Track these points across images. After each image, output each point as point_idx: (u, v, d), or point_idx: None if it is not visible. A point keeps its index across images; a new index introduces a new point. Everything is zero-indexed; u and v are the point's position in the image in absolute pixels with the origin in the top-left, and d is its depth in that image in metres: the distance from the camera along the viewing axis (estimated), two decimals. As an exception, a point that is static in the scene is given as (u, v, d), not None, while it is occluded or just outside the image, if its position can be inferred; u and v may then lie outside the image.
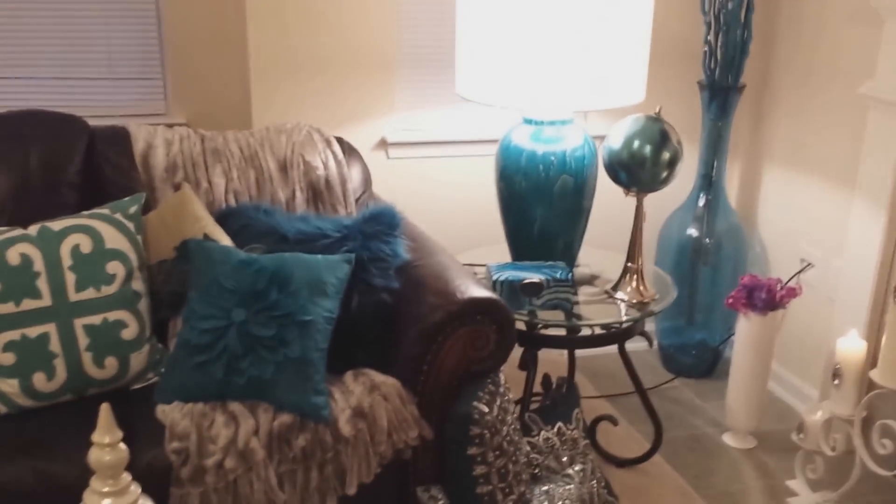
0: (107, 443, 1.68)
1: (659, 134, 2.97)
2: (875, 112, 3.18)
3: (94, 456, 1.69)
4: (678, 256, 3.83)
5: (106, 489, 1.70)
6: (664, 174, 2.99)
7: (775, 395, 3.84)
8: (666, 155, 2.97)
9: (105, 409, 1.69)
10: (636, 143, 2.97)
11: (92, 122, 3.06)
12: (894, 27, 3.07)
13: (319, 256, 2.65)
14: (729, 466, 3.37)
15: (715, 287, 3.82)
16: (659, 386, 3.89)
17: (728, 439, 3.50)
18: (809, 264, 3.62)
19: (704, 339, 3.94)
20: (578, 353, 3.67)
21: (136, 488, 1.74)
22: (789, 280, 3.59)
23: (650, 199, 3.48)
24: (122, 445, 1.70)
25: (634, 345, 3.30)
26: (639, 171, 2.99)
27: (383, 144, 3.63)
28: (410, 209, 3.26)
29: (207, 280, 2.57)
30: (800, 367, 3.74)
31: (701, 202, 3.79)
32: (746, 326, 3.33)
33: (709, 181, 3.77)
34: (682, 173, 3.71)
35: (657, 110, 3.02)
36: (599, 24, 2.90)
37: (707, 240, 3.80)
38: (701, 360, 3.96)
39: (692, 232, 3.80)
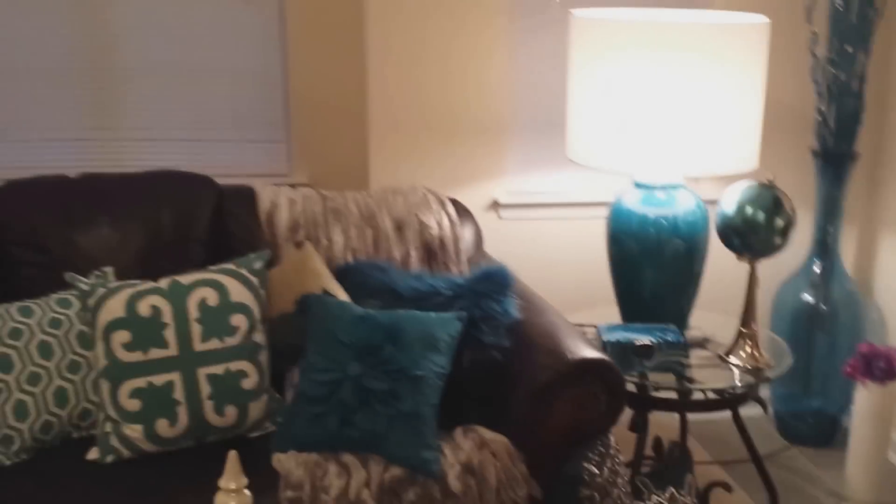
0: (233, 489, 1.73)
1: (772, 200, 2.94)
2: None
3: (220, 500, 1.73)
4: (793, 322, 3.76)
5: None
6: (778, 241, 2.96)
7: None
8: (780, 222, 2.94)
9: (233, 457, 1.75)
10: (749, 210, 2.94)
11: (220, 181, 3.18)
12: None
13: (433, 314, 2.69)
14: (847, 538, 3.28)
15: (832, 354, 3.74)
16: (774, 454, 3.80)
17: (846, 511, 3.42)
18: (928, 333, 3.53)
19: (822, 407, 3.85)
20: (691, 417, 3.62)
21: None
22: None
23: (764, 264, 3.44)
24: (247, 492, 1.74)
25: (748, 411, 3.24)
26: (752, 237, 2.96)
27: (495, 206, 3.67)
28: (521, 269, 3.27)
29: (325, 334, 2.63)
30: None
31: (816, 269, 3.72)
32: (865, 396, 3.25)
33: (824, 248, 3.71)
34: (796, 239, 3.69)
35: (771, 178, 2.99)
36: (711, 91, 2.91)
37: (823, 306, 3.72)
38: (818, 429, 3.86)
39: (807, 298, 3.74)
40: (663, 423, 3.38)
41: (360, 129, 3.59)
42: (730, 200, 3.00)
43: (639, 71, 2.91)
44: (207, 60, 3.54)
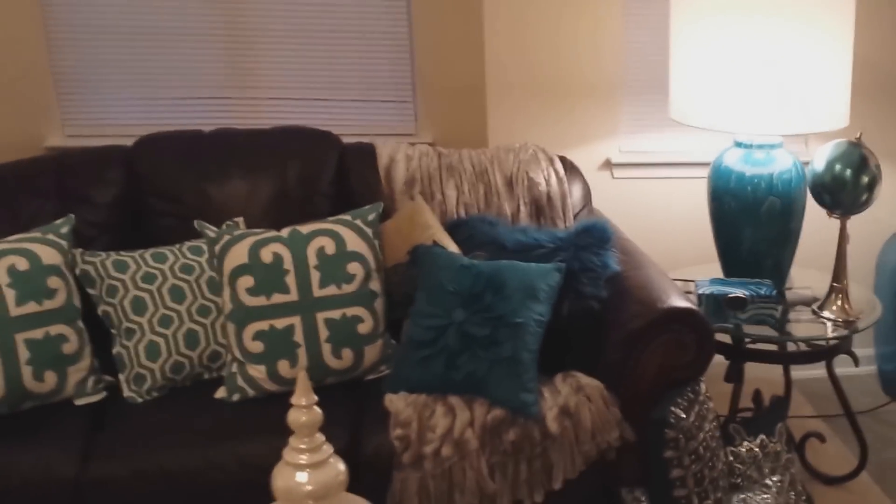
0: (304, 405, 1.88)
1: (859, 158, 3.00)
2: None
3: (293, 416, 1.88)
4: (897, 281, 3.79)
5: (302, 446, 1.88)
6: (864, 197, 3.02)
7: None
8: (865, 178, 3.00)
9: (302, 376, 1.90)
10: (837, 167, 3.01)
11: (348, 140, 3.37)
12: None
13: (533, 265, 2.82)
14: (938, 491, 3.31)
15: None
16: (875, 409, 3.84)
17: (941, 465, 3.44)
18: None
19: (926, 367, 3.87)
20: (800, 374, 3.70)
21: (328, 448, 1.92)
22: None
23: (870, 223, 3.50)
24: (317, 408, 1.89)
25: (853, 369, 3.30)
26: (840, 193, 3.02)
27: (608, 165, 3.78)
28: (631, 226, 3.41)
29: (433, 282, 2.80)
30: None
31: (921, 228, 3.74)
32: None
33: (931, 207, 3.72)
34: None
35: (858, 135, 3.04)
36: (803, 51, 2.98)
37: (927, 265, 3.74)
38: (921, 385, 3.88)
39: (911, 256, 3.76)
40: (768, 378, 3.45)
41: (480, 90, 3.72)
42: (820, 158, 3.07)
43: (735, 31, 2.99)
44: (338, 23, 3.67)
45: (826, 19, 2.98)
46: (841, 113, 3.13)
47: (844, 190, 3.05)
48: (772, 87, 3.00)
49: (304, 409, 1.88)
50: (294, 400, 1.89)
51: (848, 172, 3.03)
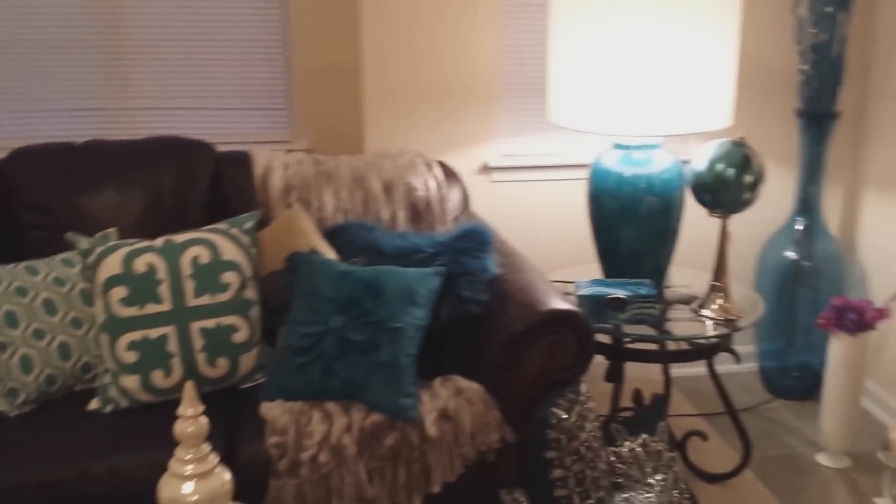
0: (190, 415, 1.85)
1: (742, 157, 3.03)
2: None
3: (179, 427, 1.86)
4: (777, 279, 3.85)
5: (189, 456, 1.87)
6: (746, 196, 3.05)
7: (874, 416, 3.81)
8: (748, 178, 3.03)
9: (189, 386, 1.87)
10: (720, 166, 3.03)
11: (224, 148, 3.31)
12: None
13: (412, 269, 2.79)
14: (820, 485, 3.36)
15: (815, 310, 3.79)
16: (757, 406, 3.90)
17: (822, 459, 3.50)
18: (906, 287, 3.61)
19: (805, 362, 3.93)
20: (679, 372, 3.74)
21: (214, 457, 1.90)
22: (887, 303, 3.58)
23: (749, 222, 3.54)
24: (203, 418, 1.87)
25: (734, 367, 3.34)
26: (722, 192, 3.05)
27: (486, 168, 3.77)
28: (510, 229, 3.42)
29: (310, 289, 2.76)
30: (897, 387, 3.72)
31: (799, 226, 3.80)
32: (838, 347, 3.34)
33: (806, 205, 3.78)
34: (781, 197, 3.78)
35: (741, 135, 3.08)
36: (686, 52, 2.98)
37: (805, 263, 3.80)
38: (802, 382, 3.95)
39: (790, 255, 3.82)
40: (648, 378, 3.48)
41: (357, 97, 3.69)
42: (702, 157, 3.09)
43: (614, 32, 2.99)
44: (212, 32, 3.64)
45: (710, 16, 3.00)
46: (725, 112, 3.15)
47: (726, 189, 3.07)
48: (652, 87, 3.00)
49: (191, 420, 1.87)
50: (181, 410, 1.87)
51: (730, 172, 3.05)
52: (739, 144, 3.06)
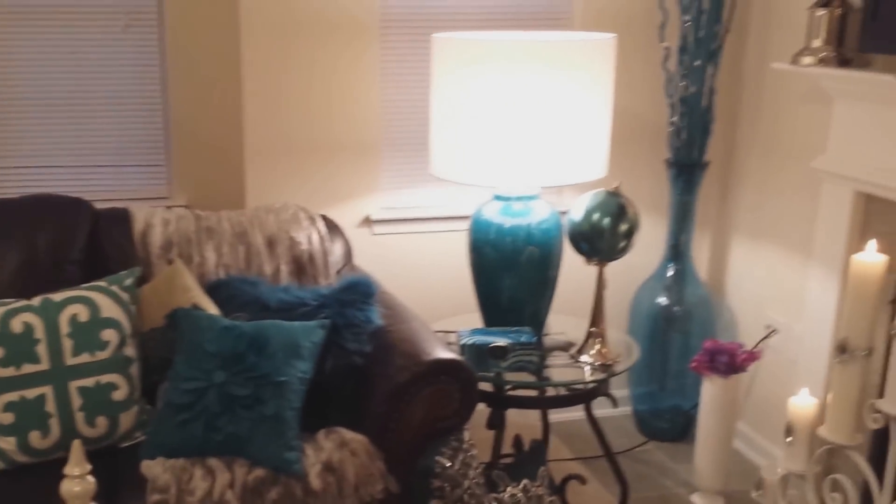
0: (76, 475, 1.82)
1: (617, 207, 3.12)
2: (827, 184, 3.30)
3: (66, 487, 1.83)
4: (650, 324, 3.94)
5: None
6: (622, 244, 3.14)
7: (745, 456, 3.92)
8: (623, 226, 3.12)
9: (76, 445, 1.84)
10: (596, 216, 3.12)
11: (102, 205, 3.26)
12: (842, 106, 3.21)
13: (296, 323, 2.80)
14: (696, 524, 3.44)
15: (687, 354, 3.90)
16: (632, 449, 3.97)
17: (697, 499, 3.56)
18: (774, 330, 3.73)
19: (678, 404, 4.03)
20: (556, 417, 3.80)
21: None
22: (756, 345, 3.70)
23: (623, 269, 3.65)
24: (90, 478, 1.84)
25: (609, 411, 3.40)
26: (598, 241, 3.13)
27: (368, 221, 3.79)
28: (394, 281, 3.45)
29: (192, 345, 2.73)
30: (767, 427, 3.83)
31: (670, 272, 3.91)
32: (710, 389, 3.42)
33: (677, 252, 3.89)
34: (652, 244, 3.89)
35: (616, 185, 3.17)
36: (561, 107, 3.07)
37: (676, 308, 3.91)
38: (674, 425, 4.04)
39: (662, 300, 3.92)
40: (528, 424, 3.52)
41: (237, 152, 3.68)
42: (578, 208, 3.17)
43: (492, 88, 3.06)
44: (88, 88, 3.58)
45: (584, 72, 3.10)
46: (600, 163, 3.25)
47: (603, 238, 3.15)
48: (529, 140, 3.08)
49: (78, 479, 1.85)
50: (67, 470, 1.85)
51: (606, 221, 3.13)
52: (614, 194, 3.14)
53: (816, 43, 3.12)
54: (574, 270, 3.43)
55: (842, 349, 2.66)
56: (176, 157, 3.69)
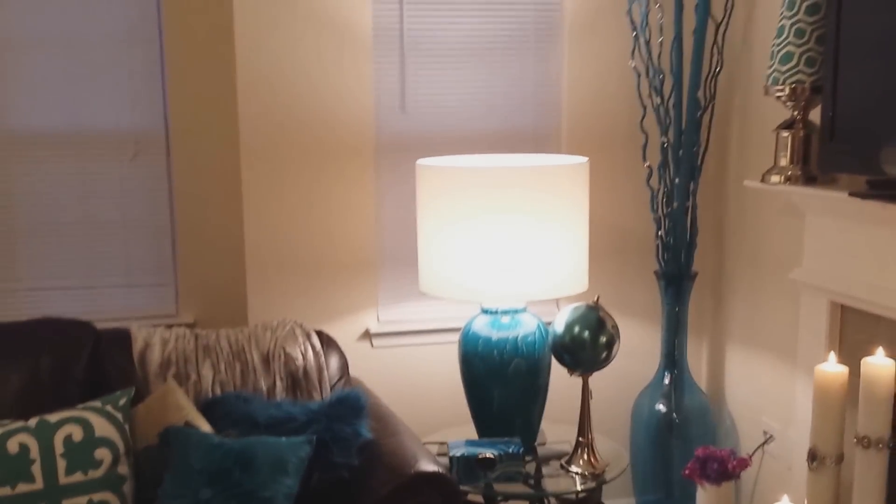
0: None
1: (596, 320, 3.15)
2: (804, 295, 3.30)
3: None
4: (651, 431, 3.90)
5: None
6: (603, 356, 3.15)
7: (750, 563, 3.85)
8: (603, 339, 3.15)
9: None
10: (576, 329, 3.14)
11: (109, 325, 3.33)
12: (812, 221, 3.23)
13: (283, 439, 2.81)
14: None
15: (689, 460, 3.85)
16: (642, 558, 3.91)
17: None
18: (770, 436, 3.68)
19: (684, 512, 3.97)
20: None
21: None
22: (754, 451, 3.65)
23: (623, 377, 3.70)
24: None
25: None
26: (580, 353, 3.15)
27: (368, 335, 3.82)
28: (392, 393, 3.48)
29: (181, 462, 2.75)
30: (770, 534, 3.76)
31: (666, 380, 3.89)
32: (704, 496, 3.36)
33: (672, 360, 3.87)
34: (650, 352, 3.89)
35: (595, 299, 3.19)
36: (539, 226, 3.14)
37: (675, 415, 3.87)
38: (682, 532, 3.98)
39: (661, 408, 3.89)
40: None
41: (240, 272, 3.74)
42: (560, 321, 3.19)
43: (473, 211, 3.13)
44: (97, 213, 3.67)
45: (561, 192, 3.18)
46: (580, 278, 3.29)
47: (584, 350, 3.18)
48: (511, 258, 3.14)
49: None
50: None
51: (586, 334, 3.17)
52: (594, 308, 3.17)
53: (783, 161, 3.16)
54: (570, 379, 3.42)
55: (812, 457, 2.64)
56: (182, 277, 3.76)
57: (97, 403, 2.89)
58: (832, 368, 2.56)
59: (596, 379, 3.30)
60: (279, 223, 3.71)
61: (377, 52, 3.74)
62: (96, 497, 2.74)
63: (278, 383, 3.25)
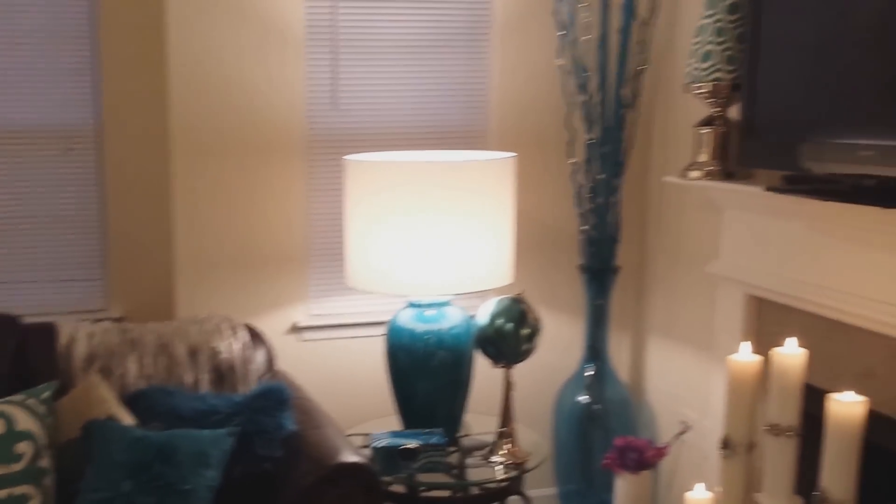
0: None
1: (519, 312, 3.15)
2: (721, 288, 3.33)
3: None
4: (573, 422, 3.92)
5: None
6: (525, 347, 3.15)
7: (669, 549, 3.88)
8: (526, 331, 3.14)
9: None
10: (499, 321, 3.13)
11: (37, 320, 3.27)
12: (729, 215, 3.26)
13: (206, 431, 2.78)
14: None
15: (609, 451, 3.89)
16: (562, 546, 3.93)
17: (620, 592, 3.52)
18: (687, 426, 3.71)
19: (605, 501, 3.97)
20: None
21: None
22: (671, 441, 3.68)
23: (546, 369, 3.71)
24: None
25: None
26: (503, 345, 3.15)
27: (296, 329, 3.79)
28: (320, 386, 3.47)
29: (103, 456, 2.71)
30: (687, 521, 3.79)
31: (589, 372, 3.90)
32: (623, 485, 3.39)
33: (595, 352, 3.89)
34: (573, 345, 3.90)
35: (519, 292, 3.19)
36: (465, 220, 3.14)
37: (597, 406, 3.89)
38: (603, 521, 4.00)
39: (583, 399, 3.90)
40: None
41: (170, 266, 3.69)
42: (484, 313, 3.19)
43: (400, 206, 3.12)
44: (23, 209, 3.60)
45: (487, 187, 3.19)
46: (506, 271, 3.29)
47: (506, 342, 3.18)
48: (437, 251, 3.13)
49: None
50: None
51: (509, 326, 3.16)
52: (517, 301, 3.17)
53: (703, 157, 3.18)
54: (494, 371, 3.42)
55: (725, 445, 2.67)
56: (113, 272, 3.69)
57: (19, 397, 2.83)
58: (745, 358, 2.59)
59: (519, 371, 3.31)
60: (210, 218, 3.66)
61: (309, 48, 3.71)
62: (17, 490, 2.68)
63: (204, 377, 3.21)
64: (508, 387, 3.24)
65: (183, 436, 2.74)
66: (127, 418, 2.91)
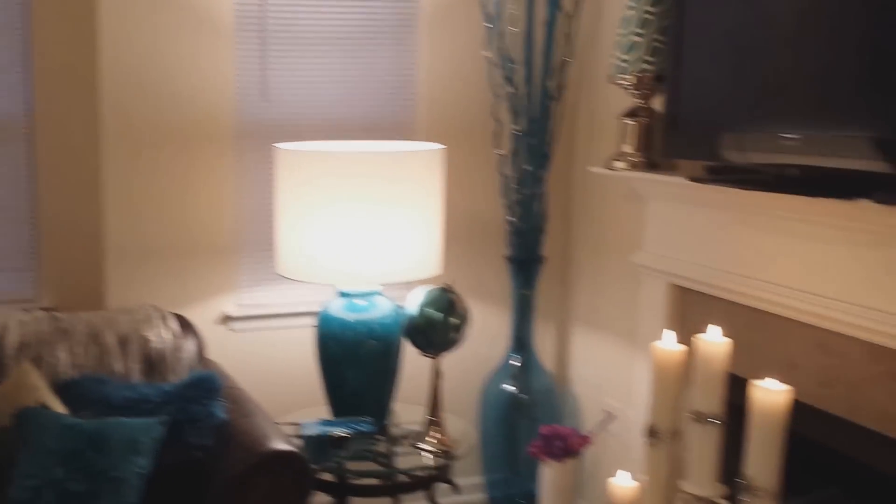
0: None
1: (448, 302, 3.20)
2: (645, 278, 3.41)
3: None
4: (499, 411, 3.98)
5: None
6: (453, 336, 3.21)
7: (591, 536, 3.97)
8: (454, 320, 3.20)
9: None
10: (428, 310, 3.18)
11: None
12: (653, 206, 3.34)
13: (137, 419, 2.79)
14: None
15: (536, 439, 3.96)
16: (488, 533, 3.99)
17: (543, 577, 3.58)
18: (610, 415, 3.80)
19: (530, 490, 4.04)
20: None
21: None
22: (596, 430, 3.75)
23: (472, 359, 3.78)
24: None
25: (457, 498, 3.40)
26: (431, 334, 3.20)
27: (226, 319, 3.80)
28: (249, 375, 3.47)
29: (35, 443, 2.71)
30: (609, 508, 3.87)
31: (515, 362, 3.97)
32: (548, 473, 3.45)
33: (520, 342, 3.96)
34: (499, 335, 3.96)
35: (449, 282, 3.24)
36: (394, 211, 3.18)
37: (523, 396, 3.96)
38: (529, 509, 4.07)
39: (509, 388, 3.97)
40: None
41: (100, 256, 3.67)
42: (413, 303, 3.23)
43: (329, 195, 3.15)
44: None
45: (416, 178, 3.23)
46: (435, 261, 3.34)
47: (435, 331, 3.22)
48: (367, 241, 3.17)
49: None
50: None
51: (438, 315, 3.21)
52: (446, 290, 3.22)
53: (627, 148, 3.25)
54: (422, 361, 3.46)
55: (650, 433, 2.73)
56: (43, 262, 3.66)
57: (-52, 386, 2.81)
58: (669, 346, 2.64)
59: (447, 360, 3.36)
60: (140, 208, 3.65)
61: (239, 39, 3.72)
62: (-54, 479, 2.67)
63: (133, 366, 3.21)
64: (437, 376, 3.28)
65: (114, 424, 2.75)
66: (59, 407, 2.90)
